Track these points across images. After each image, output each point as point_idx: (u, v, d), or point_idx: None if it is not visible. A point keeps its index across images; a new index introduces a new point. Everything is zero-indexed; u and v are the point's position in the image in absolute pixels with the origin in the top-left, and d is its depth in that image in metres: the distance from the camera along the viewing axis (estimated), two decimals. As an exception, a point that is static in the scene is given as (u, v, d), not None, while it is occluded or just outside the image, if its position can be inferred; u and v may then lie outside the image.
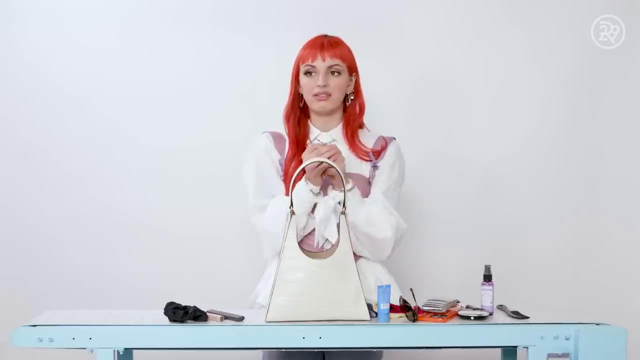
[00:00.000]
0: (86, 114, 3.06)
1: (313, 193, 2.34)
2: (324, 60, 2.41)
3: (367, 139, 2.51)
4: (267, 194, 2.43)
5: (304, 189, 2.34)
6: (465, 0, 3.09)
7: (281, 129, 2.52)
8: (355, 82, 2.50)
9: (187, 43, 3.07)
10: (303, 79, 2.45)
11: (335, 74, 2.42)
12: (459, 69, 3.10)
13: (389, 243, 2.40)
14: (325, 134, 2.49)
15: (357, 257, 2.34)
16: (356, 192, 2.37)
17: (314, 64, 2.41)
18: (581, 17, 3.06)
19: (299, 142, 2.47)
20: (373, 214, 2.37)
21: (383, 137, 2.52)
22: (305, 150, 2.37)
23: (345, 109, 2.51)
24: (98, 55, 3.05)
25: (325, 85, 2.41)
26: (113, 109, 3.06)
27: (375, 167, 2.47)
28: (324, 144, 2.38)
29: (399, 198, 2.51)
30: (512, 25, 3.09)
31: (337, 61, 2.41)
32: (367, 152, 2.47)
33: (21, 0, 3.05)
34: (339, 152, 2.33)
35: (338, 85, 2.43)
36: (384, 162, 2.47)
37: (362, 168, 2.47)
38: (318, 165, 2.29)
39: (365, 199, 2.40)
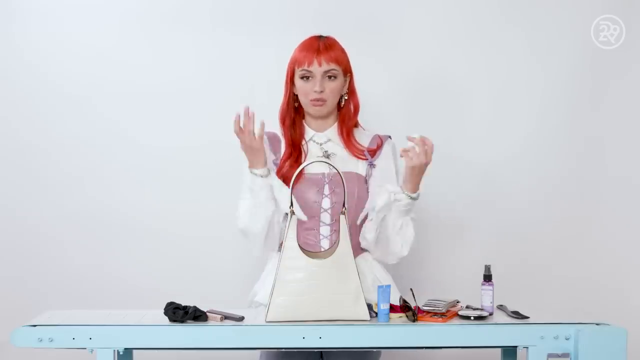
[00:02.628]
0: (86, 114, 3.07)
1: (260, 176, 2.33)
2: (320, 65, 2.40)
3: (363, 138, 2.51)
4: None
5: (249, 177, 2.34)
6: (466, 1, 3.10)
7: (278, 129, 2.52)
8: (349, 82, 2.50)
9: (187, 43, 3.07)
10: (299, 82, 2.44)
11: (332, 78, 2.42)
12: (459, 69, 3.10)
13: (397, 260, 2.44)
14: (321, 135, 2.50)
15: (355, 255, 2.33)
16: (415, 201, 2.35)
17: (310, 68, 2.41)
18: (581, 17, 3.06)
19: (295, 143, 2.47)
20: (407, 230, 2.38)
21: (379, 136, 2.52)
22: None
23: (339, 109, 2.51)
24: (98, 55, 3.05)
25: (322, 91, 2.41)
26: (113, 109, 3.07)
27: (371, 165, 2.47)
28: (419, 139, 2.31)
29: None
30: (512, 25, 3.09)
31: (333, 66, 2.41)
32: (363, 151, 2.47)
33: (21, 0, 3.05)
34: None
35: (334, 89, 2.43)
36: (381, 162, 2.47)
37: (359, 167, 2.47)
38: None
39: (412, 213, 2.39)
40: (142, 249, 3.07)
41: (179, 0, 3.07)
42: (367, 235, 2.40)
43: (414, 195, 2.34)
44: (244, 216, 2.39)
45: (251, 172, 2.35)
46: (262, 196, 2.36)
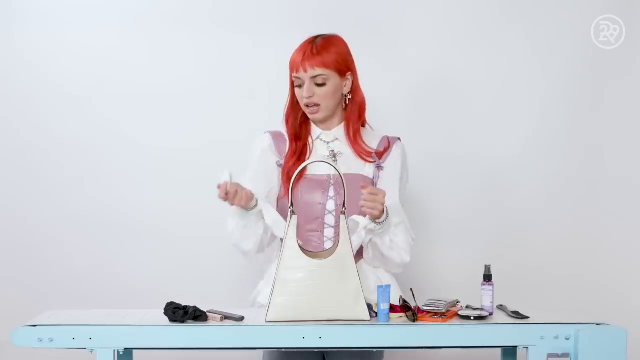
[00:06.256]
0: (86, 114, 3.07)
1: (246, 210, 2.31)
2: (305, 71, 2.35)
3: (371, 139, 2.48)
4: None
5: (237, 215, 2.34)
6: (466, 1, 3.10)
7: (282, 127, 2.51)
8: (353, 80, 2.45)
9: (187, 43, 3.07)
10: (295, 89, 2.42)
11: (320, 84, 2.37)
12: (460, 69, 3.10)
13: (401, 269, 2.43)
14: (328, 133, 2.48)
15: (358, 257, 2.33)
16: (387, 220, 2.30)
17: (299, 75, 2.37)
18: (581, 17, 3.06)
19: (300, 141, 2.45)
20: (398, 240, 2.36)
21: (387, 138, 2.49)
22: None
23: (345, 107, 2.49)
24: (98, 55, 3.06)
25: (310, 96, 2.38)
26: (113, 109, 3.07)
27: (379, 167, 2.45)
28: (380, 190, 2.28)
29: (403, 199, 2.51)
30: (512, 25, 3.09)
31: (319, 71, 2.35)
32: (370, 153, 2.44)
33: (21, 0, 3.05)
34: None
35: (324, 94, 2.38)
36: (389, 164, 2.45)
37: (365, 169, 2.44)
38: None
39: (394, 218, 2.34)
40: (142, 249, 3.07)
41: (179, 0, 3.07)
42: (364, 256, 2.39)
43: (380, 220, 2.29)
44: (234, 234, 2.39)
45: (237, 209, 2.32)
46: (251, 220, 2.34)
